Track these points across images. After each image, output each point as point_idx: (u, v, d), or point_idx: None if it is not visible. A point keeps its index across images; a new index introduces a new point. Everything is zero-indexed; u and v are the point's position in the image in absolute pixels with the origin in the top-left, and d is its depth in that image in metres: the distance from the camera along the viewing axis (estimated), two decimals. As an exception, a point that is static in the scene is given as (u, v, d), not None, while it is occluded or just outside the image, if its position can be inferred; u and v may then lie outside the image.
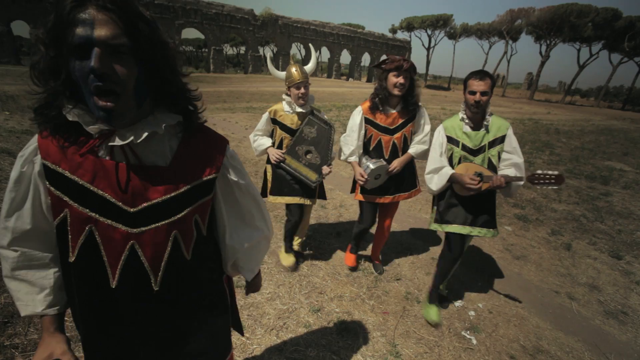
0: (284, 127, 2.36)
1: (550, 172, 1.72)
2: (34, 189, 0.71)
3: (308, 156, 2.34)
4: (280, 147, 2.40)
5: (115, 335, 0.78)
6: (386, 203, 2.48)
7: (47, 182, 0.70)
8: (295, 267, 2.68)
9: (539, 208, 4.56)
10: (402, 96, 2.20)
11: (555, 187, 1.74)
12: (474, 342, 2.13)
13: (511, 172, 1.95)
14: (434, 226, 2.22)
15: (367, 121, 2.31)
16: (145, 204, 0.71)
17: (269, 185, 2.51)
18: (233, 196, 0.87)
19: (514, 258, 3.24)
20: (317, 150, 2.32)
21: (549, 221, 4.17)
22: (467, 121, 2.03)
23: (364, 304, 2.36)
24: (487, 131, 2.00)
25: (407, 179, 2.46)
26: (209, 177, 0.78)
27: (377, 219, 2.65)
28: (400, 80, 2.12)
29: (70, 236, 0.71)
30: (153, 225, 0.73)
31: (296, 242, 2.81)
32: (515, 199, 4.81)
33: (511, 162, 1.99)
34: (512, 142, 1.99)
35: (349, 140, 2.35)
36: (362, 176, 2.27)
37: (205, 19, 27.92)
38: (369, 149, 2.38)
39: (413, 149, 2.35)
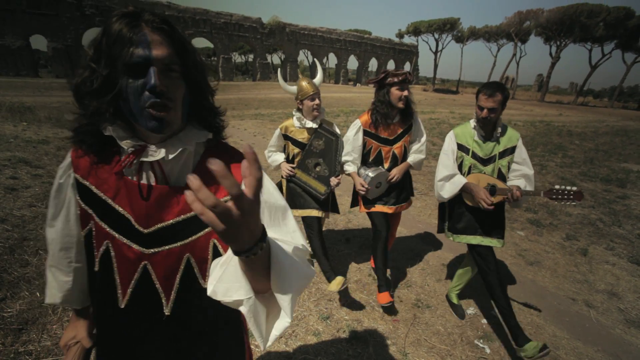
0: (295, 142, 2.38)
1: (569, 188, 1.72)
2: (69, 199, 0.76)
3: (317, 168, 2.36)
4: (292, 161, 2.43)
5: (122, 355, 0.80)
6: (391, 213, 2.46)
7: (77, 195, 0.74)
8: (345, 284, 2.26)
9: (553, 212, 4.45)
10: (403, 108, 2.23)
11: (573, 204, 1.73)
12: (488, 351, 2.07)
13: (521, 183, 1.95)
14: (448, 234, 2.24)
15: (367, 134, 2.34)
16: (158, 225, 0.71)
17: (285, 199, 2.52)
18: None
19: (528, 264, 3.16)
20: (325, 161, 2.33)
21: (563, 226, 4.06)
22: (479, 130, 2.03)
23: (373, 312, 2.33)
24: (498, 142, 2.00)
25: (406, 189, 2.50)
26: (223, 198, 0.71)
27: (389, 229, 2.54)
28: (405, 93, 2.15)
29: (95, 247, 0.75)
30: (166, 247, 0.72)
31: None
32: (527, 203, 4.71)
33: (521, 173, 1.99)
34: (522, 153, 1.99)
35: (346, 150, 2.37)
36: (363, 185, 2.28)
37: (214, 28, 28.51)
38: (368, 160, 2.40)
39: (411, 158, 2.40)
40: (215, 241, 0.74)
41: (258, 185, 0.43)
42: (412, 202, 2.61)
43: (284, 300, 0.57)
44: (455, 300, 2.43)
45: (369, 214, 2.48)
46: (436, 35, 39.33)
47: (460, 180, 2.01)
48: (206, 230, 0.73)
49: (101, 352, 0.84)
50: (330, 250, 3.10)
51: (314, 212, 2.41)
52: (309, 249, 0.66)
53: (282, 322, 0.60)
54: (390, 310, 2.33)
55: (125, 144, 0.67)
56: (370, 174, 2.28)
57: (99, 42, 0.61)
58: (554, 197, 1.77)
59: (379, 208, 2.41)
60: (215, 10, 28.55)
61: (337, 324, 2.18)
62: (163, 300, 0.74)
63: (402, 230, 3.68)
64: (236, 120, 10.12)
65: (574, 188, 1.72)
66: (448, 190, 2.04)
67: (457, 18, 37.58)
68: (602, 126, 14.80)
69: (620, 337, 2.29)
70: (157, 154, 0.67)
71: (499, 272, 2.06)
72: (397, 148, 2.35)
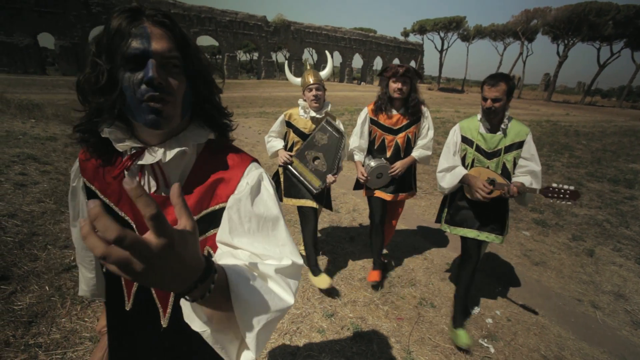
0: (297, 131, 2.40)
1: (566, 187, 1.68)
2: (82, 202, 0.78)
3: (315, 162, 2.36)
4: (291, 150, 2.44)
5: (128, 356, 0.80)
6: (392, 201, 2.57)
7: (86, 198, 0.75)
8: (331, 287, 2.46)
9: (559, 212, 4.41)
10: (403, 99, 2.33)
11: (569, 203, 1.73)
12: (492, 350, 2.07)
13: (527, 179, 1.89)
14: (444, 227, 2.27)
15: (372, 122, 2.46)
16: None
17: (282, 187, 2.53)
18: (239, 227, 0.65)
19: (533, 264, 3.14)
20: (325, 157, 2.33)
21: (569, 226, 4.03)
22: (484, 123, 2.01)
23: (377, 310, 2.34)
24: (505, 135, 1.95)
25: (407, 180, 2.55)
26: (216, 206, 0.68)
27: (386, 215, 2.66)
28: (398, 85, 2.26)
29: None
30: None
31: (301, 248, 2.76)
32: (532, 203, 4.68)
33: (527, 169, 1.93)
34: (530, 148, 1.93)
35: (353, 138, 2.52)
36: (363, 174, 2.41)
37: (219, 26, 28.58)
38: (373, 149, 2.50)
39: (416, 153, 2.45)
40: (209, 248, 0.70)
41: (157, 224, 0.34)
42: (414, 194, 2.65)
43: (248, 336, 0.51)
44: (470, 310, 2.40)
45: (368, 199, 2.63)
46: (442, 34, 39.06)
47: (460, 172, 2.02)
48: (200, 237, 0.68)
49: (111, 352, 0.84)
50: (334, 249, 3.11)
51: (309, 203, 2.44)
52: (300, 262, 0.63)
53: (249, 355, 0.54)
54: (376, 287, 2.57)
55: (122, 147, 0.64)
56: (373, 164, 2.38)
57: (101, 38, 0.60)
58: (550, 195, 1.73)
59: (378, 194, 2.54)
60: (220, 9, 28.62)
61: (341, 321, 2.19)
62: (160, 312, 0.72)
63: (406, 229, 3.67)
64: (241, 118, 10.14)
65: (571, 187, 1.68)
66: (448, 181, 2.07)
67: (463, 16, 37.29)
68: (610, 126, 14.62)
69: (626, 339, 2.27)
70: (154, 156, 0.64)
71: (474, 267, 2.13)
72: (400, 138, 2.42)
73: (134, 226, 0.70)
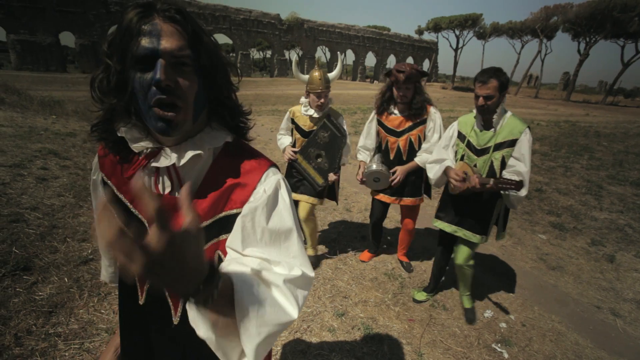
0: (298, 128, 2.47)
1: (514, 178, 1.74)
2: (101, 195, 0.78)
3: (318, 159, 2.38)
4: (294, 146, 2.52)
5: (140, 350, 0.79)
6: (403, 206, 2.59)
7: (103, 192, 0.76)
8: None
9: (577, 216, 4.27)
10: (407, 102, 2.31)
11: (514, 192, 1.76)
12: (506, 356, 2.02)
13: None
14: (433, 220, 2.28)
15: (379, 122, 2.46)
16: None
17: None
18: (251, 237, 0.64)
19: (549, 268, 3.06)
20: (326, 155, 2.35)
21: (588, 230, 3.90)
22: (478, 119, 1.99)
23: (389, 310, 2.32)
24: (496, 132, 1.91)
25: (410, 185, 2.48)
26: (230, 211, 0.66)
27: (385, 216, 2.76)
28: (400, 93, 2.25)
29: None
30: None
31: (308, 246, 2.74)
32: (550, 205, 4.55)
33: (514, 169, 1.85)
34: (522, 148, 1.84)
35: (361, 137, 2.58)
36: (359, 176, 2.48)
37: (233, 24, 28.87)
38: (382, 149, 2.51)
39: (419, 158, 2.39)
40: (220, 252, 0.69)
41: (160, 220, 0.36)
42: (422, 200, 2.58)
43: (248, 347, 0.51)
44: (466, 304, 2.35)
45: (372, 198, 2.70)
46: (457, 32, 38.35)
47: (445, 164, 2.03)
48: (212, 241, 0.68)
49: (123, 347, 0.85)
50: (345, 248, 3.10)
51: (306, 198, 2.49)
52: (311, 274, 0.63)
53: None
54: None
55: (137, 147, 0.63)
56: (374, 167, 2.39)
57: (114, 37, 0.57)
58: (501, 185, 1.72)
59: (380, 196, 2.57)
60: (234, 7, 28.88)
61: (352, 321, 2.18)
62: (172, 310, 0.72)
63: (418, 230, 3.63)
64: (254, 115, 10.09)
65: (517, 178, 1.73)
66: (435, 172, 2.09)
67: (480, 14, 36.55)
68: (633, 127, 14.04)
69: (648, 348, 2.19)
70: (168, 159, 0.63)
71: (442, 256, 2.35)
72: (402, 141, 2.39)
73: (147, 225, 0.69)
